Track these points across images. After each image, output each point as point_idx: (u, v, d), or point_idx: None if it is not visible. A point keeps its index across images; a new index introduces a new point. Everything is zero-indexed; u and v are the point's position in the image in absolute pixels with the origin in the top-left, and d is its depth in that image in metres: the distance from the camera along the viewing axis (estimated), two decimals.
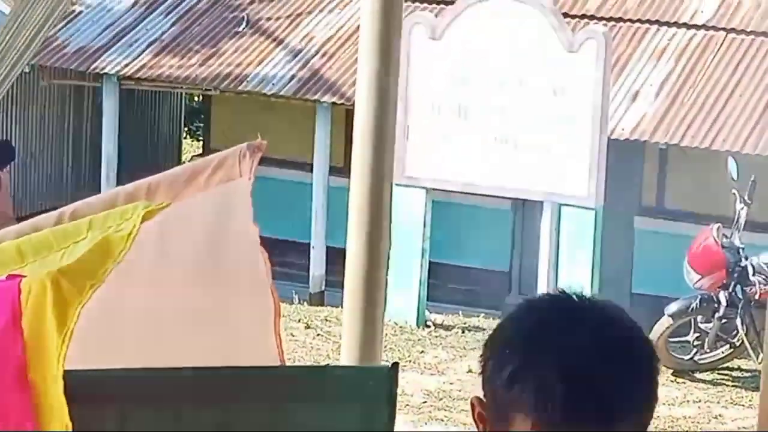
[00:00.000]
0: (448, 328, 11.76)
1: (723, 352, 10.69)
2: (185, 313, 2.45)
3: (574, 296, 1.05)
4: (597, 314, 1.04)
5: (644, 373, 1.04)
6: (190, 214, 2.42)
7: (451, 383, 10.47)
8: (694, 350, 10.67)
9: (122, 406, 2.20)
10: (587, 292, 1.10)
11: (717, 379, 11.01)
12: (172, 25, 13.61)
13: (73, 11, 13.85)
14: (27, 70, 13.13)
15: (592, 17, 12.72)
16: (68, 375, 2.01)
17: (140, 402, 2.21)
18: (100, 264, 2.16)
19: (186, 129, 17.26)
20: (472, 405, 1.11)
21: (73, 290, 2.10)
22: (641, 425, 1.03)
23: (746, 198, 10.43)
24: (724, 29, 12.53)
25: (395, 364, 2.23)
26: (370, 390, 2.31)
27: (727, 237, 10.49)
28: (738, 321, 10.29)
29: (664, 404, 9.96)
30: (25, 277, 2.11)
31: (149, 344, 2.45)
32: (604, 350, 0.99)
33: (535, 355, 0.99)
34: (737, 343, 10.44)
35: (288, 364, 9.45)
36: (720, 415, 10.26)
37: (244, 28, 13.26)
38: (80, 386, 2.06)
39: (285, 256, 11.73)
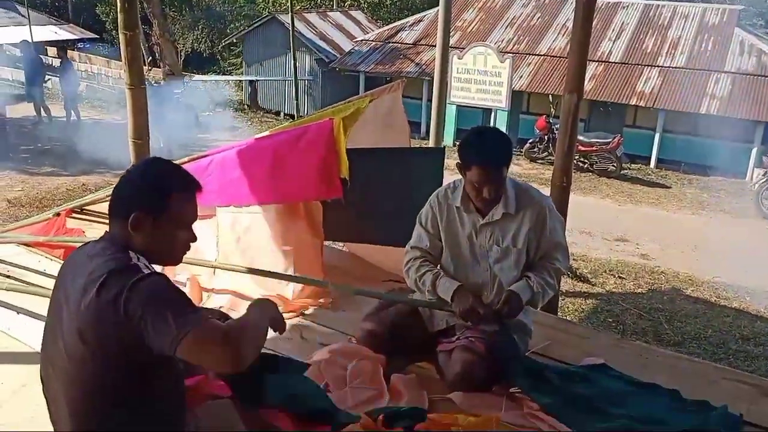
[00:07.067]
0: None
1: None
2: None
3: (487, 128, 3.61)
4: (494, 129, 3.61)
5: (509, 148, 3.49)
6: (381, 103, 5.01)
7: None
8: None
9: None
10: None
11: None
12: None
13: None
14: None
15: None
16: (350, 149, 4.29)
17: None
18: (354, 119, 4.38)
19: None
20: (458, 164, 3.56)
21: (346, 126, 4.27)
22: (509, 167, 3.49)
23: None
24: None
25: (443, 148, 5.42)
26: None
27: None
28: None
29: None
30: (333, 119, 4.30)
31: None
32: (492, 141, 3.50)
33: (469, 146, 3.51)
34: None
35: None
36: None
37: None
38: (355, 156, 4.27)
39: None
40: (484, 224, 3.68)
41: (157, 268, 2.29)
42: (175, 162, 2.85)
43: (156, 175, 2.32)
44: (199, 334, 2.03)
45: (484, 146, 3.48)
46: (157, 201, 2.26)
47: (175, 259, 2.39)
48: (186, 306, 2.10)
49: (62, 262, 2.44)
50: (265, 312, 2.37)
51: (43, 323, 2.36)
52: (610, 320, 7.85)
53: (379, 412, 3.01)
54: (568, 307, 8.08)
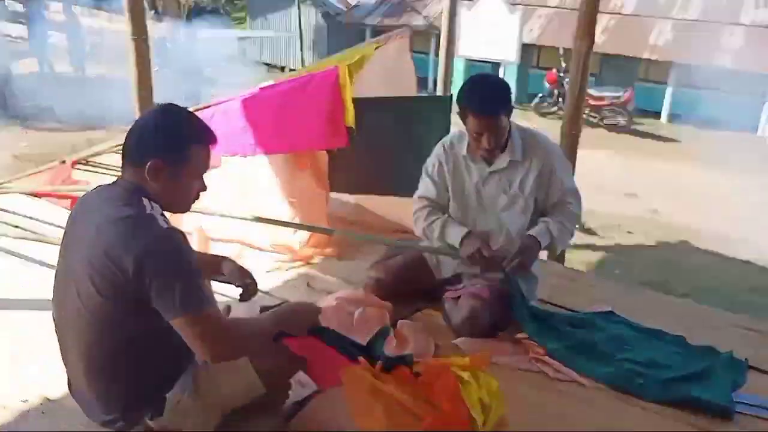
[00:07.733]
0: None
1: None
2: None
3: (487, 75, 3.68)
4: (492, 77, 3.63)
5: (506, 95, 3.48)
6: (388, 49, 5.10)
7: None
8: None
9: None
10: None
11: None
12: None
13: None
14: None
15: None
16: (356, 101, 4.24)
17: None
18: (360, 66, 4.46)
19: None
20: (458, 113, 3.57)
21: (351, 73, 4.31)
22: (508, 115, 3.51)
23: None
24: None
25: (450, 96, 4.60)
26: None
27: None
28: None
29: None
30: (338, 67, 4.30)
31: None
32: (488, 88, 3.49)
33: (466, 95, 3.44)
34: None
35: None
36: None
37: None
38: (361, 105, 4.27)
39: None
40: (491, 172, 3.68)
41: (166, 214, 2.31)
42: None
43: (174, 123, 2.31)
44: (190, 321, 2.11)
45: (480, 94, 3.48)
46: (176, 150, 2.27)
47: (186, 208, 2.40)
48: (195, 282, 2.13)
49: (70, 211, 2.46)
50: (289, 318, 2.46)
51: (52, 271, 2.39)
52: (618, 272, 7.88)
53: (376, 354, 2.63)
54: (575, 259, 8.10)
